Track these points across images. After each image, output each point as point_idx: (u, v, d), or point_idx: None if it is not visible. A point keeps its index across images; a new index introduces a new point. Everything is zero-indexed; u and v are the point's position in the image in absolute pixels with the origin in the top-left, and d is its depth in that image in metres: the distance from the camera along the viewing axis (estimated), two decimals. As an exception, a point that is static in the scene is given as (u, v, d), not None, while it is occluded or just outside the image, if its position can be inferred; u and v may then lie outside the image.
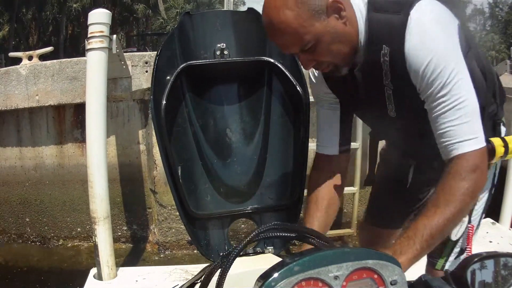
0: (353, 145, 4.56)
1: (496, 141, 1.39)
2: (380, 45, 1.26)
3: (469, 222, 1.51)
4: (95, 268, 3.05)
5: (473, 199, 1.24)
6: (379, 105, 1.38)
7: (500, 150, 1.38)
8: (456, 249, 1.57)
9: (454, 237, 1.51)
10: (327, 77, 1.46)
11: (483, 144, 1.22)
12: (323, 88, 1.48)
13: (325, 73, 1.43)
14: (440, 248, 1.55)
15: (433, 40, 1.19)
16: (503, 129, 1.51)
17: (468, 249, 1.52)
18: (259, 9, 1.68)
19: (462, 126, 1.20)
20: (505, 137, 1.42)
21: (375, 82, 1.33)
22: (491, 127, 1.46)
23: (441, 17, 1.23)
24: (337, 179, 1.53)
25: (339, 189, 1.53)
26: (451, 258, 1.59)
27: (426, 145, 1.32)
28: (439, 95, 1.20)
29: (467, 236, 1.52)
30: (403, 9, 1.21)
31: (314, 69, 1.46)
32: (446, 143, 1.21)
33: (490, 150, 1.37)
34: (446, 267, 1.59)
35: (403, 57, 1.22)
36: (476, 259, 0.91)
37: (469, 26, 1.34)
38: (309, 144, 1.66)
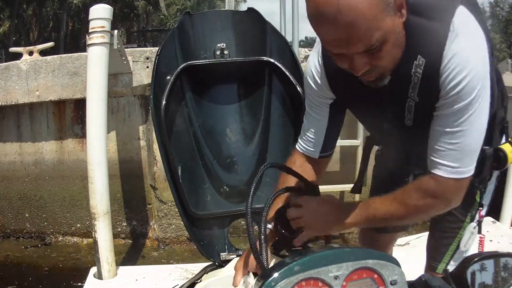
0: (354, 142, 4.56)
1: (507, 147, 1.40)
2: (416, 55, 1.11)
3: (479, 232, 1.52)
4: (95, 267, 3.04)
5: (420, 217, 1.30)
6: (395, 114, 1.28)
7: (511, 156, 1.39)
8: (458, 255, 1.56)
9: (463, 247, 1.52)
10: (331, 80, 1.32)
11: (463, 176, 1.17)
12: (323, 92, 1.36)
13: (330, 76, 1.31)
14: (442, 253, 1.57)
15: (474, 57, 1.08)
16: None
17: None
18: (259, 8, 1.68)
19: (454, 153, 1.15)
20: None
21: (398, 92, 1.20)
22: (499, 131, 1.44)
23: (477, 27, 1.11)
24: (309, 174, 1.42)
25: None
26: (453, 262, 1.58)
27: None
28: (455, 113, 1.11)
29: (480, 245, 1.53)
30: (444, 16, 1.07)
31: (318, 71, 1.33)
32: (433, 157, 1.18)
33: (503, 157, 1.38)
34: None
35: (438, 72, 1.09)
36: (476, 259, 0.91)
37: (490, 33, 1.26)
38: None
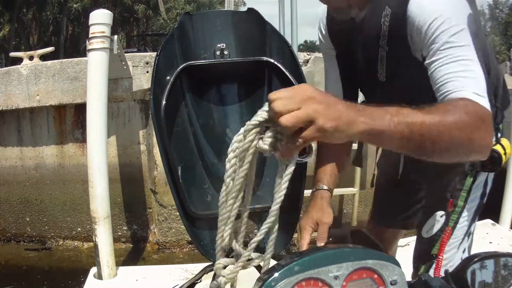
0: (353, 146, 4.55)
1: (499, 148, 1.41)
2: (383, 6, 1.27)
3: (446, 223, 1.49)
4: (95, 267, 3.05)
5: (455, 141, 0.98)
6: (371, 68, 1.38)
7: (503, 157, 1.40)
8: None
9: (425, 234, 1.52)
10: (331, 34, 1.52)
11: (485, 105, 1.05)
12: (328, 44, 1.54)
13: (330, 30, 1.52)
14: (424, 256, 1.55)
15: (441, 3, 1.15)
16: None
17: (440, 257, 1.46)
18: (259, 9, 1.68)
19: (466, 79, 1.08)
20: (502, 142, 1.45)
21: (372, 40, 1.34)
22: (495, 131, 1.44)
23: None
24: None
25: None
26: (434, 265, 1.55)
27: None
28: (443, 47, 1.12)
29: (441, 241, 1.48)
30: None
31: (324, 28, 1.54)
32: (445, 93, 1.09)
33: (497, 158, 1.39)
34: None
35: (405, 19, 1.19)
36: (476, 259, 0.91)
37: (480, 20, 1.31)
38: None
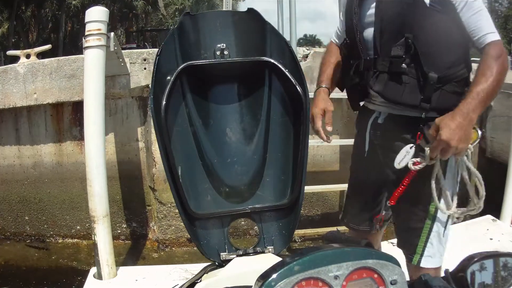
0: (350, 141, 4.55)
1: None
2: None
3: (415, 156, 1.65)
4: (95, 267, 3.05)
5: (502, 81, 1.57)
6: None
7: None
8: (429, 247, 1.72)
9: (397, 165, 1.66)
10: None
11: (500, 39, 1.61)
12: None
13: None
14: (414, 245, 1.74)
15: None
16: None
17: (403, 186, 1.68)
18: (257, 8, 1.68)
19: (483, 22, 1.60)
20: None
21: None
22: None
23: None
24: (337, 51, 1.96)
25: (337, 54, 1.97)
26: (426, 253, 1.73)
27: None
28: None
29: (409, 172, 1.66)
30: None
31: None
32: (478, 34, 1.60)
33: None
34: (422, 262, 1.73)
35: None
36: (476, 259, 0.91)
37: None
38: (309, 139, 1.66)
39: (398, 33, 1.63)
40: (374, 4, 1.70)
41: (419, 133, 1.65)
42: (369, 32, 1.74)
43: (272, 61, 1.62)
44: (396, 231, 1.86)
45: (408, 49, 1.61)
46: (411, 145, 1.65)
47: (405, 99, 1.65)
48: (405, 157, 1.64)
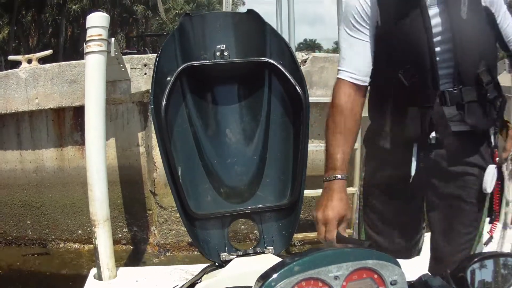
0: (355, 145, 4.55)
1: None
2: None
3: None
4: (95, 268, 3.05)
5: None
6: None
7: None
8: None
9: (489, 189, 1.57)
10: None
11: None
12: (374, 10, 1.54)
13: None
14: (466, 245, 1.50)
15: None
16: None
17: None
18: (259, 10, 1.69)
19: None
20: None
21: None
22: None
23: None
24: (358, 107, 1.57)
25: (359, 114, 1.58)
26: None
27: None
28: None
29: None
30: None
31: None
32: None
33: None
34: None
35: None
36: (476, 259, 0.91)
37: None
38: (309, 144, 1.66)
39: (479, 56, 1.52)
40: (438, 18, 1.50)
41: (496, 150, 1.60)
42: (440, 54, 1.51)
43: (272, 61, 1.62)
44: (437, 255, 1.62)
45: (490, 72, 1.53)
46: (494, 165, 1.58)
47: (486, 122, 1.58)
48: (492, 179, 1.57)
